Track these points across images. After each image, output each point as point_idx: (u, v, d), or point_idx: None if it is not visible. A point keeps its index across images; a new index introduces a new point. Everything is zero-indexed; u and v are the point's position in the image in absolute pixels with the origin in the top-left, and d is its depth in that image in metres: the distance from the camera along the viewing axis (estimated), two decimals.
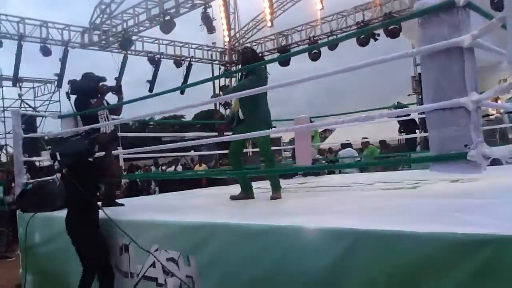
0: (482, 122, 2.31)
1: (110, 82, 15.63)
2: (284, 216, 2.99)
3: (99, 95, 4.96)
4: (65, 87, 5.94)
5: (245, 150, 4.64)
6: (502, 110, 8.72)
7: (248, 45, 18.34)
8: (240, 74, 4.96)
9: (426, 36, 2.36)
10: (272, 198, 4.23)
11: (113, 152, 4.76)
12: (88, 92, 4.94)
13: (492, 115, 10.14)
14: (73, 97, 4.99)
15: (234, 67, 19.19)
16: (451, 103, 2.23)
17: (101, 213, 3.70)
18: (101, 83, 5.03)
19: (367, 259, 2.14)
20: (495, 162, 4.79)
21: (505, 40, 1.79)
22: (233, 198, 4.50)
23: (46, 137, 8.68)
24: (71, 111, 5.15)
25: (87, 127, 4.65)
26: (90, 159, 3.87)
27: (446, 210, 2.68)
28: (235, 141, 4.43)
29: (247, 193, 4.48)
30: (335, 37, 14.96)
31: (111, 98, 5.23)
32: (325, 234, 2.37)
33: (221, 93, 4.50)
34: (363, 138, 10.76)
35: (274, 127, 4.83)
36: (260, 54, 17.16)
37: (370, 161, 9.26)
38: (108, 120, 4.99)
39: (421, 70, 2.45)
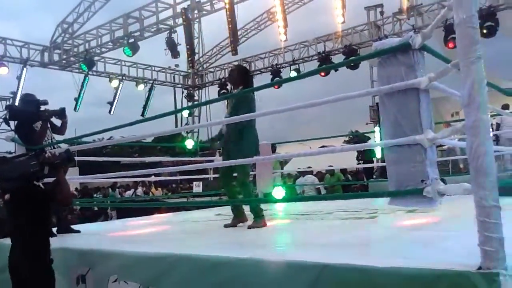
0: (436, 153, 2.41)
1: (71, 102, 15.12)
2: (245, 248, 2.98)
3: (42, 121, 4.64)
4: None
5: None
6: None
7: (212, 70, 18.51)
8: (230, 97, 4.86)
9: (384, 74, 2.49)
10: (250, 227, 4.10)
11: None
12: (29, 117, 4.64)
13: (445, 145, 10.60)
14: (14, 122, 4.72)
15: (196, 91, 19.20)
16: (408, 140, 2.33)
17: (54, 242, 3.49)
18: (42, 108, 4.71)
19: None
20: None
21: (460, 85, 1.91)
22: (227, 226, 4.37)
23: None
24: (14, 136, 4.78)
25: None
26: (37, 183, 3.25)
27: (404, 243, 2.79)
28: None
29: (240, 218, 4.38)
30: (297, 66, 15.36)
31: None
32: (288, 267, 2.36)
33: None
34: (329, 166, 11.07)
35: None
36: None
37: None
38: (53, 144, 4.70)
39: (380, 107, 2.56)
